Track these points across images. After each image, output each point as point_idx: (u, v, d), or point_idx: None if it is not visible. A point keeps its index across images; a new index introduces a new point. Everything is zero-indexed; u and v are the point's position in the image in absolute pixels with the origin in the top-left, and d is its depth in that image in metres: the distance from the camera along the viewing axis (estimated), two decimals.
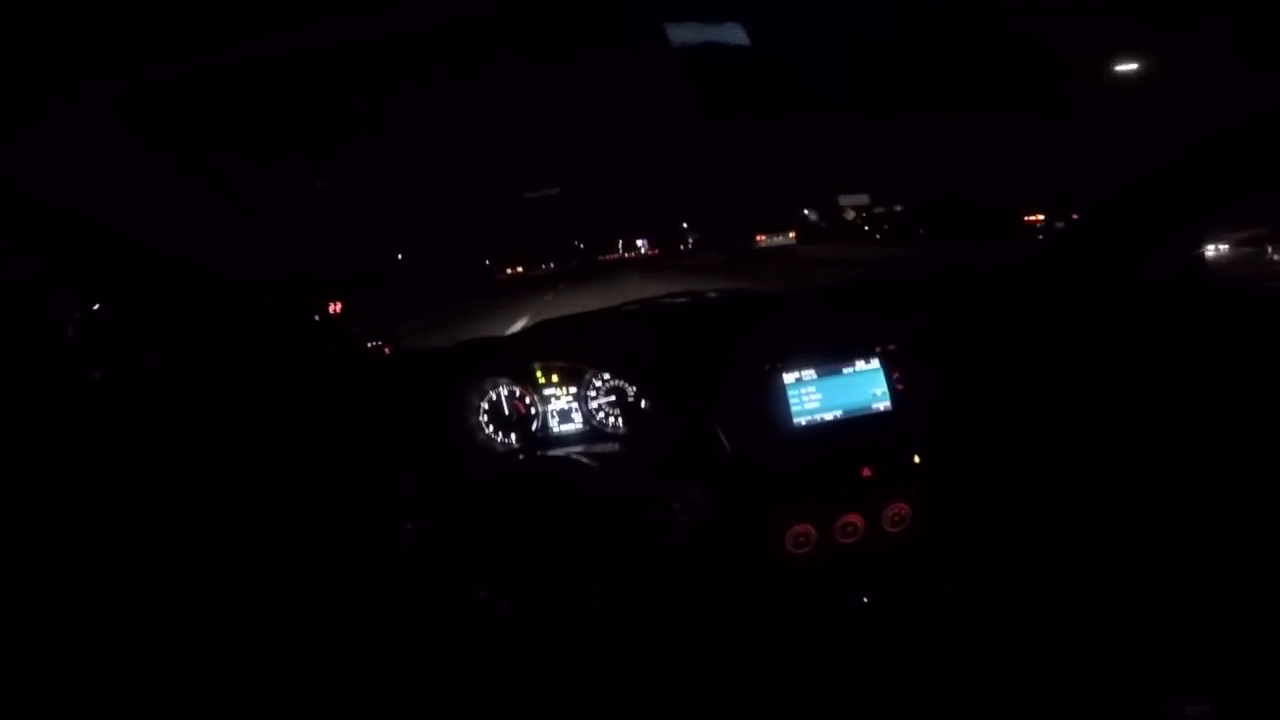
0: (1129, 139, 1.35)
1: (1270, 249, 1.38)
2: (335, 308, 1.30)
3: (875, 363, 1.23)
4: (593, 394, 1.40)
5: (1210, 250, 1.36)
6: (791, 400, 1.21)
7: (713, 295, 1.62)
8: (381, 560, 1.20)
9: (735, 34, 1.37)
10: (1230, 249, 1.39)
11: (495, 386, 1.42)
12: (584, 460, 1.14)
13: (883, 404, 1.23)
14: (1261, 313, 1.34)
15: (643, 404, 1.36)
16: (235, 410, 1.18)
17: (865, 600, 1.25)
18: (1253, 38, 1.06)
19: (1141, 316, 1.38)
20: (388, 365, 1.36)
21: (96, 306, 1.11)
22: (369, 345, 1.41)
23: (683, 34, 1.36)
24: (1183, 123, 1.24)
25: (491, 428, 1.44)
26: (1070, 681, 1.16)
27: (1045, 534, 1.31)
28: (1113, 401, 1.33)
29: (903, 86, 1.27)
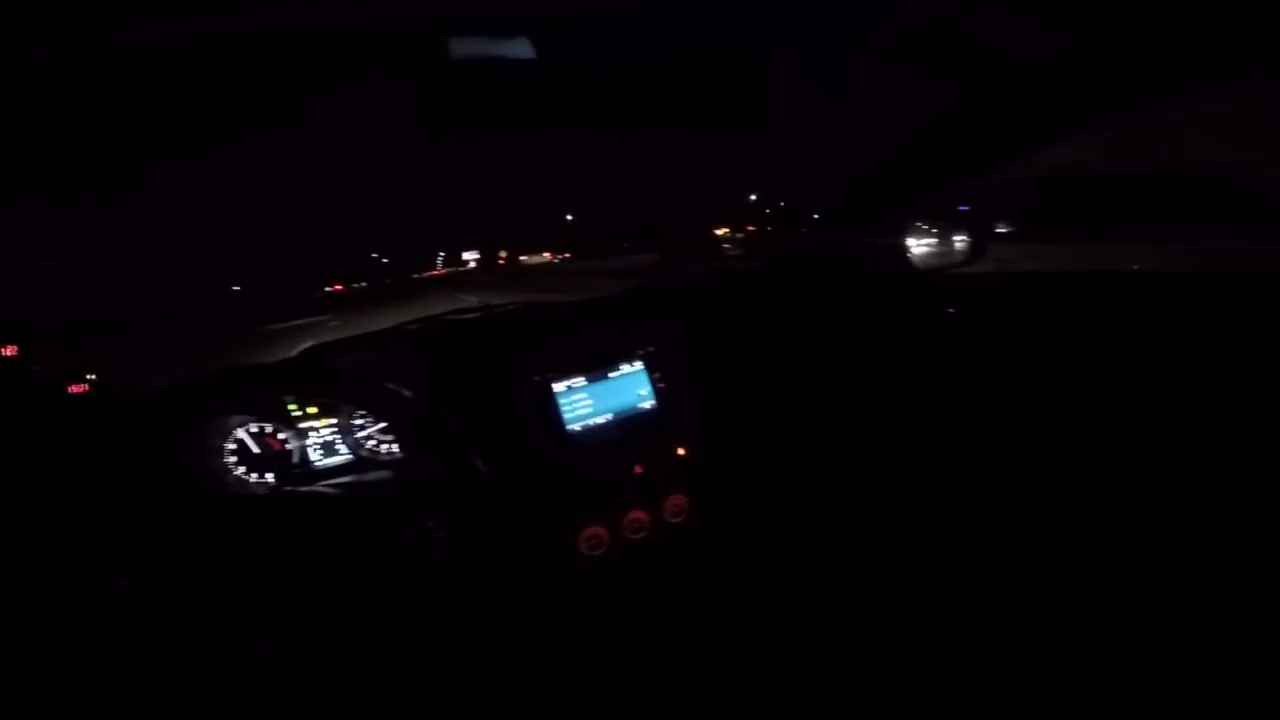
0: (812, 149, 1.60)
1: (952, 240, 1.68)
2: (8, 351, 1.07)
3: (638, 364, 1.31)
4: (357, 424, 1.31)
5: (910, 244, 1.64)
6: (563, 407, 1.24)
7: (500, 309, 1.61)
8: (98, 617, 1.00)
9: (521, 48, 1.37)
10: (923, 243, 1.68)
11: (240, 425, 1.26)
12: (332, 492, 1.06)
13: (648, 403, 1.31)
14: (957, 295, 1.66)
15: (407, 428, 1.30)
16: None
17: (660, 591, 1.31)
18: (923, 46, 1.25)
19: (863, 305, 1.64)
20: (89, 408, 1.14)
21: None
22: (67, 388, 1.17)
23: (466, 48, 1.33)
24: (865, 133, 1.47)
25: (242, 469, 1.28)
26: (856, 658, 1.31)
27: (808, 509, 1.50)
28: (845, 382, 1.56)
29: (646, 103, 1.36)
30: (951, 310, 1.63)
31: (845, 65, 1.41)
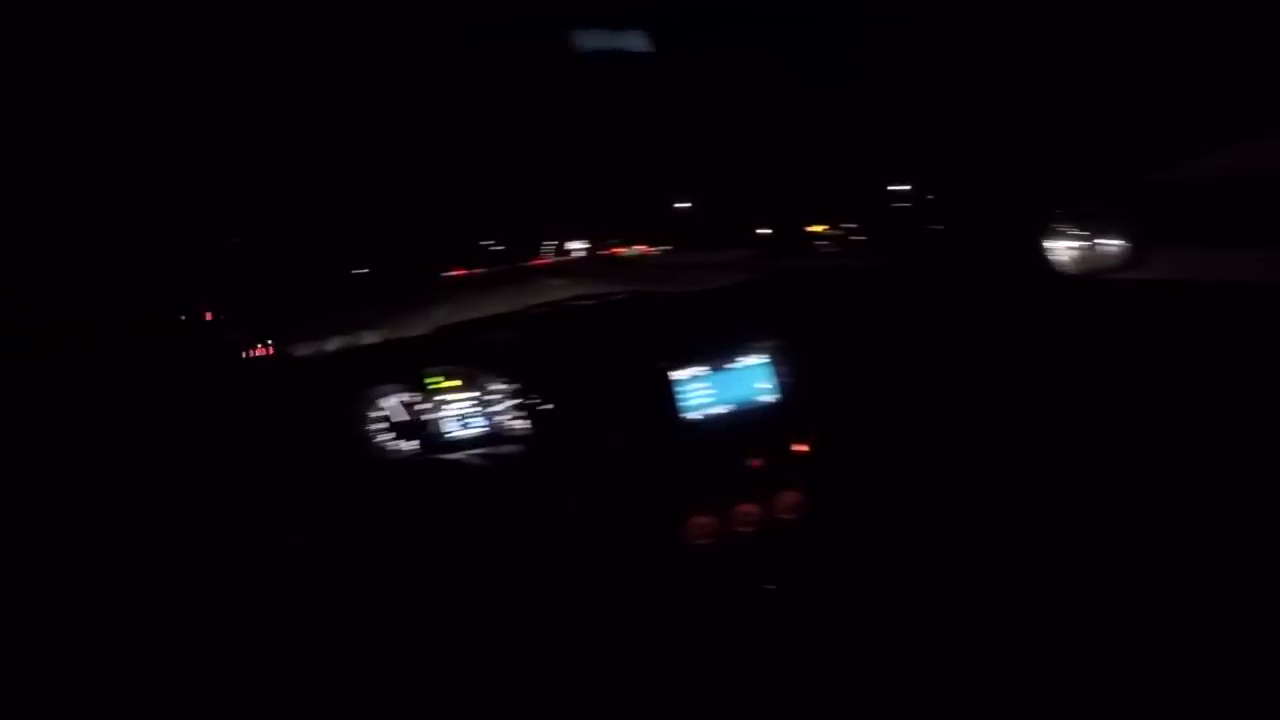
0: (959, 144, 1.50)
1: (1098, 242, 1.54)
2: (207, 315, 1.23)
3: (762, 358, 1.30)
4: (491, 398, 1.39)
5: (1050, 245, 1.52)
6: (683, 396, 1.26)
7: (617, 297, 1.65)
8: (267, 572, 1.15)
9: (638, 40, 1.40)
10: (1066, 244, 1.55)
11: (388, 394, 1.38)
12: (475, 462, 1.14)
13: (769, 397, 1.30)
14: (1097, 301, 1.52)
15: (541, 407, 1.36)
16: (83, 420, 1.09)
17: (770, 587, 1.31)
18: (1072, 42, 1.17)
19: (995, 307, 1.53)
20: (266, 373, 1.29)
21: None
22: (248, 353, 1.33)
23: (588, 40, 1.38)
24: (1006, 129, 1.38)
25: (386, 435, 1.40)
26: (969, 656, 1.25)
27: (926, 513, 1.43)
28: (973, 386, 1.47)
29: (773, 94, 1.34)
30: (1095, 319, 1.49)
31: (991, 64, 1.31)
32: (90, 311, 1.11)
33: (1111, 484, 1.38)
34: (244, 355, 1.34)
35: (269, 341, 1.30)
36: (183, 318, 1.21)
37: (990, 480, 1.44)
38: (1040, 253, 1.50)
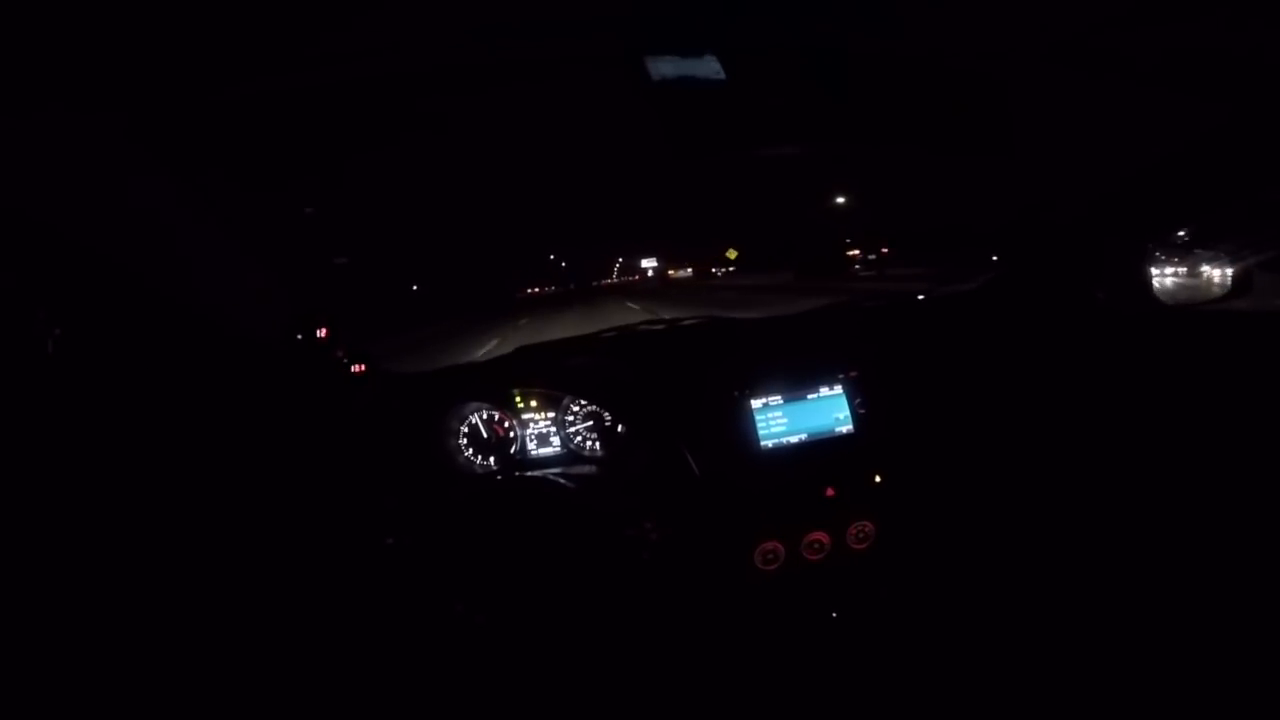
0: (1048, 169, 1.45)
1: (1205, 271, 1.45)
2: (322, 332, 1.34)
3: (838, 388, 1.30)
4: (570, 419, 1.45)
5: (1150, 274, 1.44)
6: (759, 424, 1.27)
7: (689, 323, 1.68)
8: (364, 572, 1.23)
9: (710, 67, 1.44)
10: (1170, 273, 1.47)
11: (475, 411, 1.46)
12: (560, 481, 1.18)
13: (845, 427, 1.29)
14: (1205, 334, 1.43)
15: (618, 429, 1.40)
16: (222, 427, 1.21)
17: (835, 615, 1.29)
18: (1174, 66, 1.13)
19: (1093, 339, 1.46)
20: (369, 388, 1.39)
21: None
22: (352, 369, 1.44)
23: (662, 68, 1.43)
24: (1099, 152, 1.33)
25: (471, 450, 1.47)
26: (1038, 690, 1.20)
27: (1003, 549, 1.37)
28: (1065, 420, 1.40)
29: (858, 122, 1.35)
30: (1196, 351, 1.39)
31: (1084, 88, 1.28)
32: (219, 328, 1.23)
33: (1207, 530, 1.30)
34: (348, 370, 1.44)
35: (365, 359, 1.39)
36: (300, 336, 1.31)
37: (1070, 519, 1.37)
38: (1139, 282, 1.43)
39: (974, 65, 1.20)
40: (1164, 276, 1.46)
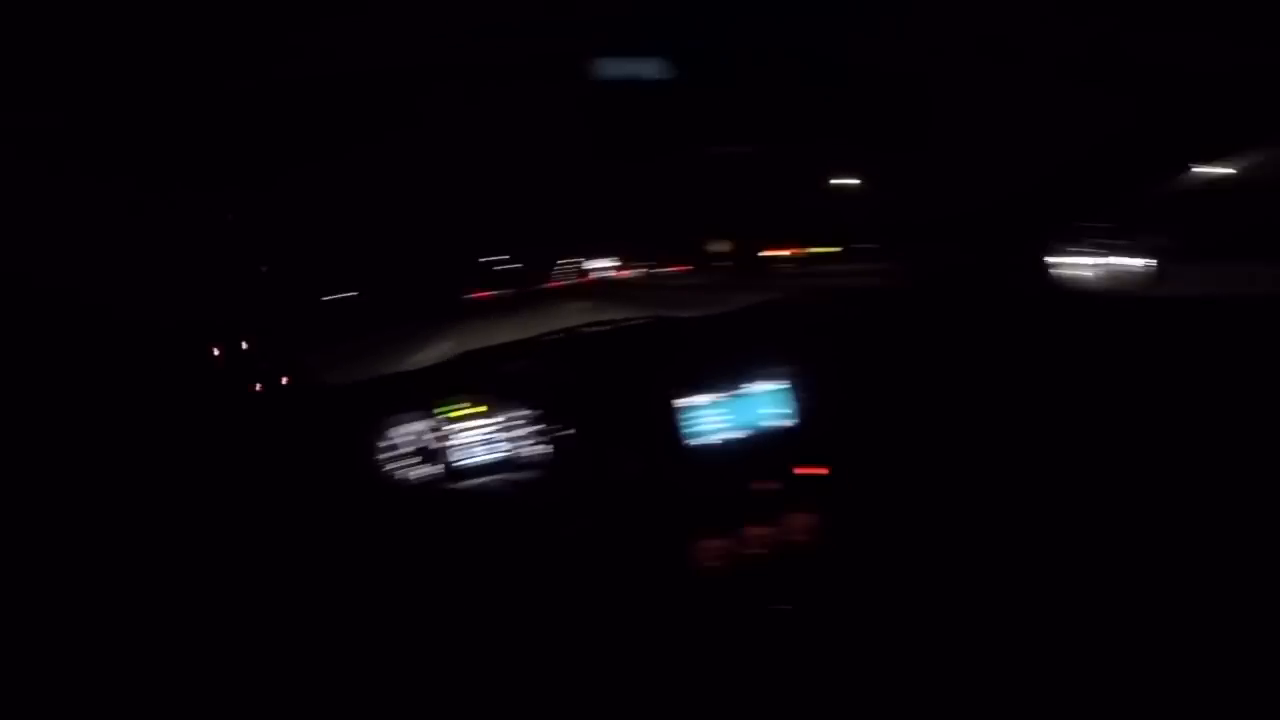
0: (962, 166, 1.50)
1: (1114, 259, 1.54)
2: (242, 345, 1.27)
3: (772, 384, 1.31)
4: (511, 424, 1.41)
5: (1069, 263, 1.52)
6: (700, 421, 1.27)
7: (633, 323, 1.67)
8: (286, 592, 1.17)
9: (657, 69, 1.44)
10: (1086, 262, 1.55)
11: (410, 421, 1.41)
12: (491, 488, 1.16)
13: (780, 422, 1.30)
14: (1114, 315, 1.50)
15: (560, 433, 1.38)
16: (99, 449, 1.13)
17: (783, 609, 1.30)
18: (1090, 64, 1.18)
19: (1010, 326, 1.52)
20: (295, 401, 1.33)
21: None
22: (279, 379, 1.37)
23: (610, 69, 1.42)
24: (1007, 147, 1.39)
25: (408, 460, 1.42)
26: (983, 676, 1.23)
27: (942, 534, 1.41)
28: (986, 407, 1.45)
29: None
30: (1105, 332, 1.47)
31: (1000, 82, 1.33)
32: (128, 337, 1.15)
33: (1130, 504, 1.36)
34: (273, 383, 1.38)
35: (290, 370, 1.33)
36: (216, 350, 1.24)
37: (1004, 501, 1.42)
38: (1058, 271, 1.49)
39: (897, 63, 1.23)
40: (1081, 266, 1.54)
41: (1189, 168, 1.34)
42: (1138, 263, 1.50)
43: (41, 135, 0.93)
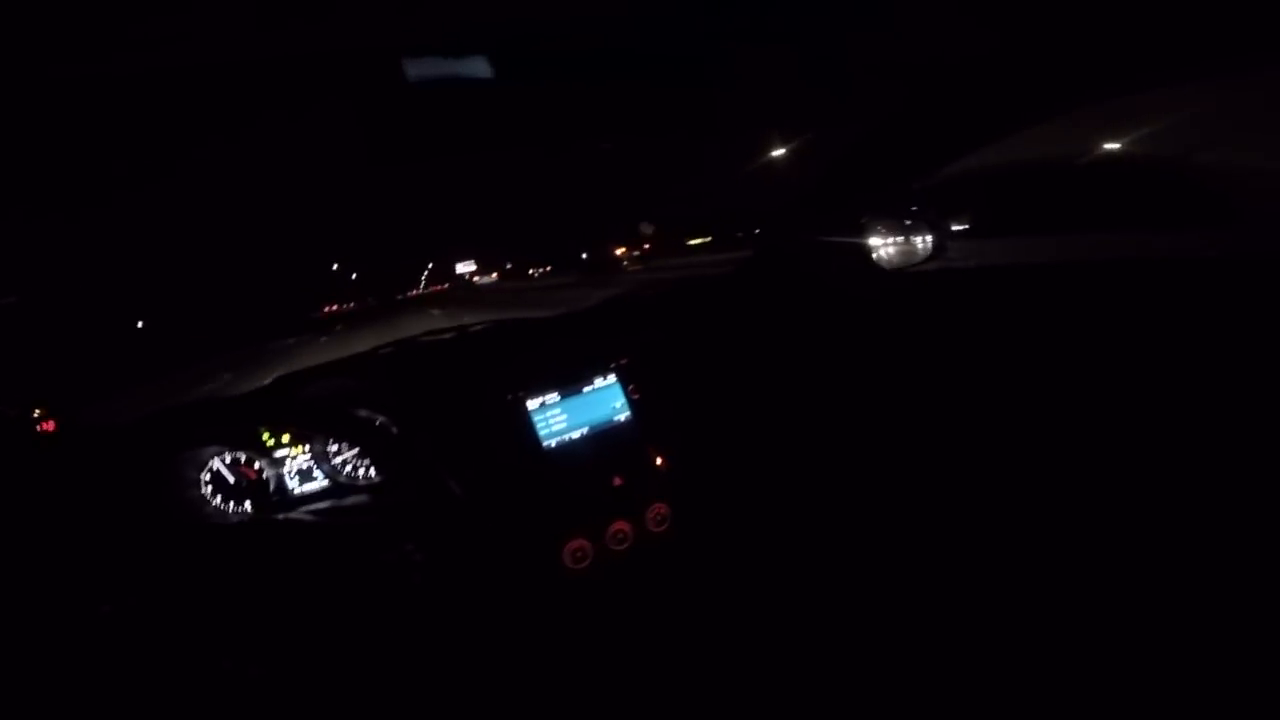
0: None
1: (914, 239, 1.73)
2: None
3: (611, 378, 1.33)
4: (334, 449, 1.32)
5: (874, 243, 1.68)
6: (538, 424, 1.26)
7: (476, 328, 1.62)
8: (76, 647, 1.00)
9: (478, 67, 1.39)
10: (885, 242, 1.73)
11: (216, 455, 1.26)
12: (310, 519, 1.07)
13: (623, 415, 1.33)
14: (921, 291, 1.69)
15: (382, 455, 1.31)
16: None
17: (646, 601, 1.32)
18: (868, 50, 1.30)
19: (832, 307, 1.66)
20: (63, 447, 1.14)
21: None
22: (37, 428, 1.17)
23: (421, 69, 1.35)
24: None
25: (218, 498, 1.27)
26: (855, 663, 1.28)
27: (787, 512, 1.51)
28: (817, 385, 1.58)
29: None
30: (916, 308, 1.66)
31: (794, 69, 1.44)
32: None
33: (950, 470, 1.50)
34: (30, 429, 1.17)
35: (57, 413, 1.14)
36: None
37: (840, 471, 1.54)
38: (861, 250, 1.65)
39: (681, 50, 1.28)
40: (883, 245, 1.72)
41: (962, 152, 1.49)
42: (926, 240, 1.69)
43: None
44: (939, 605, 1.34)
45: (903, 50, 1.32)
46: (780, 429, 1.53)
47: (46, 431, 1.16)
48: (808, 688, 1.26)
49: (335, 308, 10.64)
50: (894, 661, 1.26)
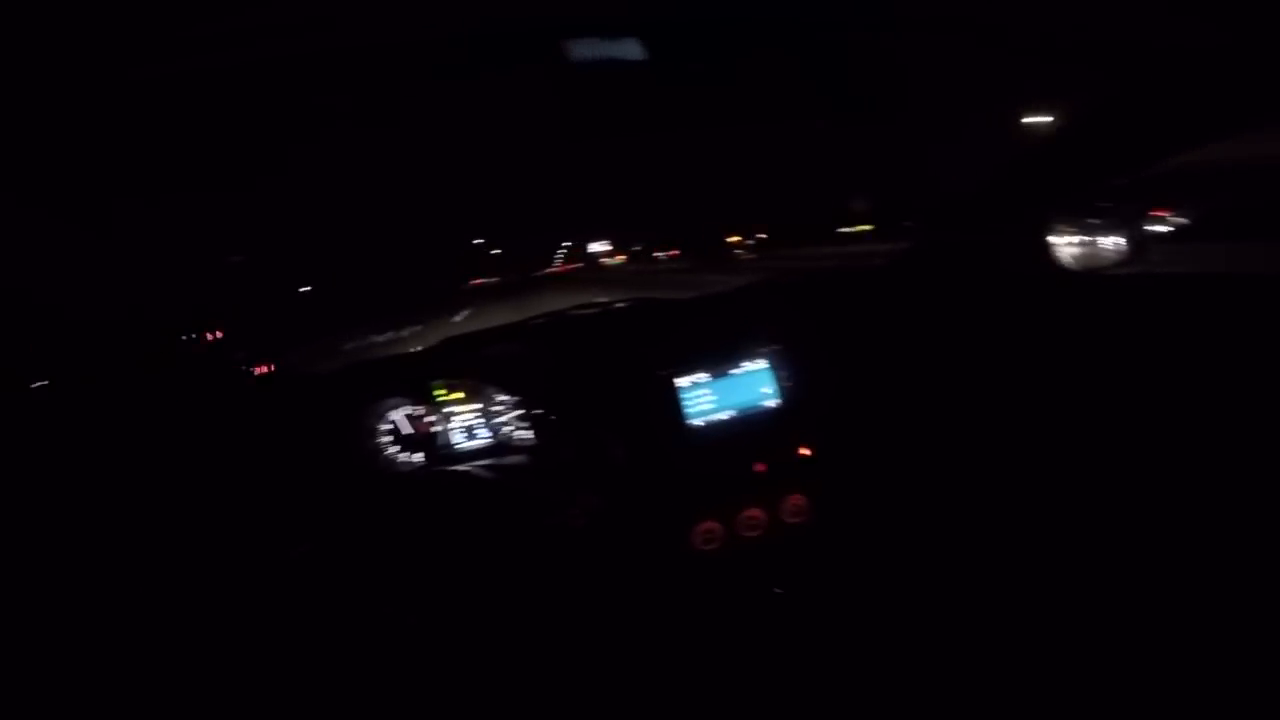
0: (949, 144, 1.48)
1: (1105, 239, 1.53)
2: (212, 336, 1.24)
3: (763, 362, 1.30)
4: (497, 409, 1.40)
5: (1053, 242, 1.50)
6: (686, 403, 1.25)
7: (620, 306, 1.65)
8: (273, 585, 1.15)
9: (633, 49, 1.40)
10: (1071, 241, 1.54)
11: (395, 408, 1.39)
12: (482, 474, 1.14)
13: (771, 401, 1.29)
14: (1104, 298, 1.49)
15: (547, 417, 1.37)
16: (94, 444, 1.10)
17: (778, 591, 1.30)
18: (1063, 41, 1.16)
19: (998, 305, 1.51)
20: (274, 390, 1.30)
21: None
22: (254, 371, 1.35)
23: (581, 50, 1.39)
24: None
25: (393, 448, 1.41)
26: (981, 660, 1.22)
27: (933, 516, 1.41)
28: (977, 385, 1.45)
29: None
30: (1099, 313, 1.46)
31: (978, 60, 1.30)
32: (98, 336, 1.13)
33: (1117, 484, 1.34)
34: (251, 373, 1.35)
35: (272, 359, 1.31)
36: (185, 339, 1.22)
37: (995, 481, 1.41)
38: (1043, 250, 1.48)
39: (865, 36, 1.20)
40: (1066, 244, 1.53)
41: (1171, 149, 1.32)
42: (1117, 241, 1.48)
43: None
44: (1109, 628, 1.21)
45: (1111, 29, 1.15)
46: (931, 430, 1.42)
47: (262, 374, 1.33)
48: (909, 689, 1.18)
49: (479, 281, 11.66)
50: (1045, 674, 1.16)
